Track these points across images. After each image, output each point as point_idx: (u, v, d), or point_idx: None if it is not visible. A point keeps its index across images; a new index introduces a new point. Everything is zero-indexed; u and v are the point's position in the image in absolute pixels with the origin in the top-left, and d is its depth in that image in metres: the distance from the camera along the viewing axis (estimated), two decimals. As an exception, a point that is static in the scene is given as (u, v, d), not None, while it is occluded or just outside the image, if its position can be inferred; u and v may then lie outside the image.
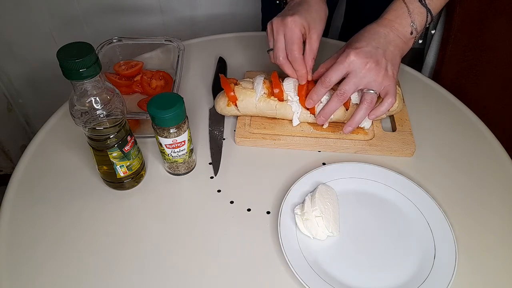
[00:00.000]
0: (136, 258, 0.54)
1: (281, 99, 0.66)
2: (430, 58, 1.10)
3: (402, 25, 0.62)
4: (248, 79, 0.70)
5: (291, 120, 0.68)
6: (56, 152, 0.67)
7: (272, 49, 0.65)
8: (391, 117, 0.72)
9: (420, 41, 0.64)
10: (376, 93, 0.61)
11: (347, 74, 0.60)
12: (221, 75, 0.68)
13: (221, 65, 0.83)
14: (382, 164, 0.64)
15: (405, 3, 0.61)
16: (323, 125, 0.68)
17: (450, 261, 0.52)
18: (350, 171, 0.63)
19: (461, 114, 0.75)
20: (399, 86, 0.71)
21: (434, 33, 1.07)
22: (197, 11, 1.26)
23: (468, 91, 1.03)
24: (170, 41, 0.76)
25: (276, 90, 0.66)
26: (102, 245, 0.55)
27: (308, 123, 0.69)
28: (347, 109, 0.66)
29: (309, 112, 0.67)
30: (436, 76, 1.06)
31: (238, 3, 1.27)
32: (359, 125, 0.67)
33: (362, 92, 0.62)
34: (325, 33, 1.07)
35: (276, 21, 0.63)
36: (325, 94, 0.64)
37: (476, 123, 0.73)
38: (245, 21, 1.31)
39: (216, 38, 0.91)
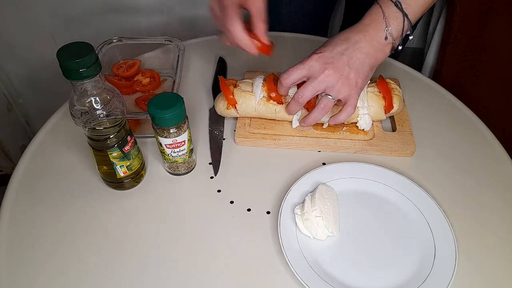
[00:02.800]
0: (136, 258, 0.54)
1: (280, 102, 0.66)
2: (430, 58, 1.11)
3: (376, 29, 0.59)
4: (247, 80, 0.69)
5: (291, 121, 0.68)
6: (56, 152, 0.67)
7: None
8: (391, 117, 0.72)
9: (400, 48, 0.62)
10: (333, 99, 0.60)
11: (308, 78, 0.60)
12: (220, 77, 0.68)
13: (221, 65, 0.83)
14: (382, 164, 0.64)
15: (381, 7, 0.59)
16: (323, 124, 0.68)
17: (450, 261, 0.52)
18: (350, 171, 0.63)
19: (461, 114, 0.75)
20: (399, 86, 0.70)
21: (434, 33, 1.07)
22: (197, 11, 1.26)
23: (468, 91, 1.03)
24: (170, 41, 0.76)
25: (272, 94, 0.66)
26: (102, 245, 0.55)
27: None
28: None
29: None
30: (436, 76, 1.06)
31: (238, 3, 1.26)
32: (360, 127, 0.67)
33: (320, 95, 0.61)
34: (325, 33, 1.08)
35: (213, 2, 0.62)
36: (289, 88, 0.64)
37: (476, 123, 0.73)
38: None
39: (216, 38, 0.91)
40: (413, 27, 0.61)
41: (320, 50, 0.60)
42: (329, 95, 0.60)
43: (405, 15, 0.58)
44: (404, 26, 0.59)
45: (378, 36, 0.59)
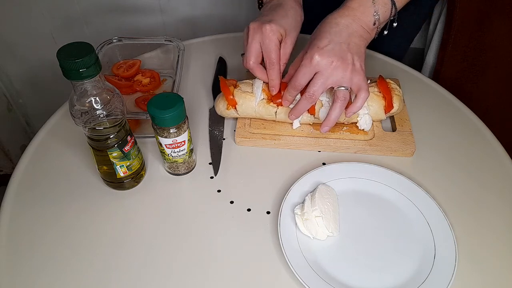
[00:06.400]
0: (136, 258, 0.54)
1: (280, 104, 0.66)
2: (430, 58, 1.11)
3: (365, 14, 0.59)
4: (248, 80, 0.69)
5: (291, 123, 0.68)
6: (56, 152, 0.67)
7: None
8: (391, 117, 0.72)
9: (386, 32, 0.62)
10: (347, 89, 0.60)
11: (315, 74, 0.59)
12: (220, 77, 0.68)
13: (221, 65, 0.83)
14: (382, 164, 0.64)
15: None
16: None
17: (450, 261, 0.52)
18: (350, 171, 0.63)
19: (461, 114, 0.75)
20: (399, 87, 0.70)
21: (434, 33, 1.07)
22: (197, 11, 1.26)
23: (468, 91, 1.03)
24: (170, 41, 0.76)
25: (279, 100, 0.65)
26: (102, 245, 0.55)
27: (309, 124, 0.69)
28: (311, 114, 0.66)
29: (309, 115, 0.67)
30: (436, 76, 1.06)
31: (238, 3, 1.27)
32: (360, 128, 0.67)
33: (333, 90, 0.61)
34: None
35: (253, 26, 0.63)
36: (297, 95, 0.63)
37: (476, 123, 0.73)
38: (245, 21, 1.31)
39: (216, 38, 0.91)
40: (394, 18, 0.62)
41: (317, 44, 0.59)
42: (342, 87, 0.59)
43: (393, 2, 0.60)
44: (391, 12, 0.61)
45: (367, 20, 0.60)
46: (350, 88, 0.60)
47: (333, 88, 0.61)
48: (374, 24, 0.60)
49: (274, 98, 0.66)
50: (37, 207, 0.59)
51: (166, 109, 0.53)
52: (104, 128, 0.52)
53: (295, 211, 0.56)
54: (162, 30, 1.27)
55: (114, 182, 0.60)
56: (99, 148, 0.55)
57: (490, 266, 0.54)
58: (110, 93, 0.51)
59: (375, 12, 0.59)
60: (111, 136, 0.54)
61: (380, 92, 0.67)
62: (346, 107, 0.62)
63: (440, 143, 0.69)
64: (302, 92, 0.62)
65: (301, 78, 0.60)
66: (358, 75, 0.59)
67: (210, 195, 0.62)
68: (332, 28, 0.59)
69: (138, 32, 1.24)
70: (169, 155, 0.59)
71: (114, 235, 0.57)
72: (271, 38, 0.62)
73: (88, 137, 0.54)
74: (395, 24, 0.63)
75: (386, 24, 0.63)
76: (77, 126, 0.52)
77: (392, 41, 0.80)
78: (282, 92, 0.65)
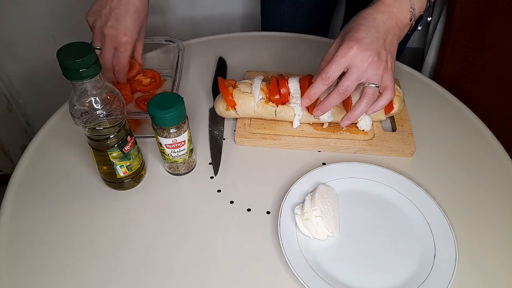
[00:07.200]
0: (136, 258, 0.54)
1: (279, 103, 0.66)
2: (430, 58, 1.10)
3: (400, 10, 0.57)
4: (247, 80, 0.69)
5: (291, 122, 0.68)
6: (56, 152, 0.67)
7: (98, 48, 0.67)
8: (391, 117, 0.72)
9: (419, 28, 0.59)
10: (377, 87, 0.57)
11: (348, 68, 0.56)
12: (219, 78, 0.68)
13: (221, 65, 0.83)
14: (382, 164, 0.64)
15: None
16: (323, 124, 0.68)
17: (450, 261, 0.52)
18: (350, 171, 0.63)
19: (461, 114, 0.75)
20: (399, 87, 0.70)
21: (434, 33, 1.07)
22: (197, 11, 1.26)
23: (468, 91, 1.03)
24: (170, 41, 0.76)
25: (276, 97, 0.65)
26: (102, 245, 0.55)
27: (309, 123, 0.69)
28: (347, 110, 0.65)
29: (309, 114, 0.67)
30: (436, 76, 1.06)
31: (238, 3, 1.27)
32: (360, 128, 0.67)
33: (362, 86, 0.58)
34: (325, 33, 1.07)
35: (109, 32, 0.64)
36: (324, 91, 0.59)
37: (476, 123, 0.73)
38: (245, 21, 1.31)
39: (216, 38, 0.91)
40: (429, 11, 0.60)
41: (354, 36, 0.55)
42: (372, 84, 0.57)
43: None
44: (426, 7, 0.58)
45: (402, 17, 0.57)
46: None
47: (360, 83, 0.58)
48: (410, 20, 0.57)
49: (272, 97, 0.66)
50: (37, 207, 0.59)
51: (166, 109, 0.53)
52: (104, 128, 0.52)
53: (295, 211, 0.56)
54: (162, 30, 1.27)
55: (114, 182, 0.60)
56: (99, 148, 0.55)
57: (490, 266, 0.54)
58: (110, 93, 0.51)
59: (411, 7, 0.57)
60: (111, 136, 0.54)
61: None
62: None
63: (440, 143, 0.69)
64: (302, 89, 0.61)
65: (335, 70, 0.56)
66: (388, 74, 0.57)
67: (210, 195, 0.62)
68: (369, 21, 0.56)
69: (138, 32, 1.24)
70: (169, 155, 0.59)
71: (114, 235, 0.57)
72: (126, 52, 0.66)
73: (88, 137, 0.54)
74: (429, 19, 0.60)
75: (419, 19, 0.60)
76: (77, 126, 0.52)
77: None
78: (280, 90, 0.65)
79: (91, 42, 0.67)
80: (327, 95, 0.59)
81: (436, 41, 1.08)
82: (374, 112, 0.60)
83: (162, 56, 0.81)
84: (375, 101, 0.59)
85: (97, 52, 0.63)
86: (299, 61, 0.84)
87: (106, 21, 0.64)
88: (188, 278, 0.52)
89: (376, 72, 0.56)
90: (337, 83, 0.58)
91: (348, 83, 0.57)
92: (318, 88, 0.59)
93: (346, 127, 0.68)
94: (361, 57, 0.55)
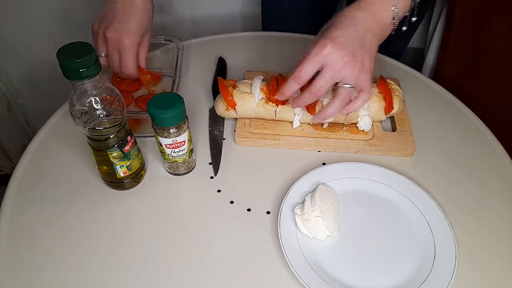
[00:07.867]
0: (136, 258, 0.54)
1: (279, 103, 0.66)
2: (430, 58, 1.11)
3: (382, 8, 0.55)
4: (247, 80, 0.69)
5: (291, 122, 0.68)
6: (56, 152, 0.67)
7: (104, 56, 0.68)
8: (391, 117, 0.72)
9: (404, 28, 0.58)
10: (353, 87, 0.56)
11: (322, 67, 0.55)
12: (219, 78, 0.68)
13: (221, 65, 0.82)
14: (382, 164, 0.64)
15: None
16: (323, 124, 0.68)
17: (450, 261, 0.52)
18: (350, 171, 0.63)
19: (461, 114, 0.75)
20: (399, 87, 0.70)
21: (434, 33, 1.07)
22: (197, 11, 1.26)
23: (468, 91, 1.03)
24: (170, 40, 0.76)
25: (276, 97, 0.65)
26: (102, 244, 0.55)
27: (309, 123, 0.69)
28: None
29: (309, 115, 0.67)
30: (436, 76, 1.06)
31: (238, 3, 1.26)
32: (360, 128, 0.67)
33: (336, 86, 0.57)
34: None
35: (111, 35, 0.65)
36: (297, 90, 0.59)
37: (476, 123, 0.73)
38: (245, 21, 1.31)
39: (216, 38, 0.91)
40: (413, 11, 0.58)
41: (330, 35, 0.54)
42: (347, 84, 0.56)
43: None
44: (410, 7, 0.56)
45: (384, 16, 0.56)
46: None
47: (336, 83, 0.58)
48: (393, 19, 0.56)
49: (272, 97, 0.66)
50: (37, 207, 0.59)
51: (166, 109, 0.53)
52: (104, 128, 0.52)
53: (295, 211, 0.56)
54: (162, 30, 1.27)
55: (114, 182, 0.60)
56: (99, 148, 0.55)
57: (490, 266, 0.54)
58: (110, 93, 0.51)
59: (394, 6, 0.55)
60: (111, 136, 0.54)
61: (380, 93, 0.67)
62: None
63: (440, 143, 0.69)
64: (303, 88, 0.61)
65: (307, 69, 0.55)
66: (365, 74, 0.56)
67: (210, 195, 0.62)
68: (348, 20, 0.55)
69: (138, 32, 1.24)
70: (169, 155, 0.59)
71: (114, 235, 0.57)
72: (130, 54, 0.66)
73: (88, 137, 0.54)
74: (413, 19, 0.58)
75: (404, 19, 0.59)
76: (77, 126, 0.52)
77: (389, 40, 0.80)
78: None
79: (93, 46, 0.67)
80: (299, 95, 0.59)
81: (436, 41, 1.08)
82: (350, 112, 0.60)
83: (162, 56, 0.81)
84: (351, 101, 0.58)
85: (101, 59, 0.63)
86: (298, 60, 0.84)
87: (109, 25, 0.65)
88: (188, 278, 0.52)
89: (351, 72, 0.55)
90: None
91: (322, 83, 0.55)
92: (290, 87, 0.58)
93: (347, 127, 0.68)
94: (336, 56, 0.54)
